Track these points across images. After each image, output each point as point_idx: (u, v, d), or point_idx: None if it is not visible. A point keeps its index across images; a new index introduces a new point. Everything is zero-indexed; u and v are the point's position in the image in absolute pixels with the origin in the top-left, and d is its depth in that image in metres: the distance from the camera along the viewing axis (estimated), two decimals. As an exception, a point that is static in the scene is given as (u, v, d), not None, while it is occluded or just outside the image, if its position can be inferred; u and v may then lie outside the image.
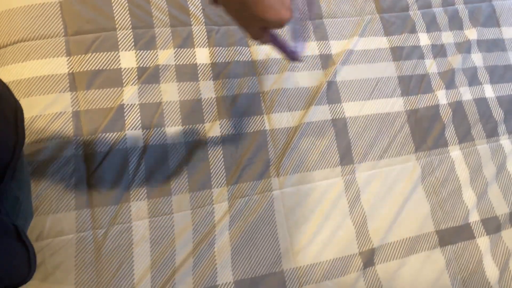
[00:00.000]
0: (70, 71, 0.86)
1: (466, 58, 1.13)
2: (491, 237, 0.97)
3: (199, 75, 0.94)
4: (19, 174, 0.51)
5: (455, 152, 1.02)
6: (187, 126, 0.90)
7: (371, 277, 0.87)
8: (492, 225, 0.98)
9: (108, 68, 0.88)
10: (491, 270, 0.93)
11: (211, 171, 0.88)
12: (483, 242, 0.96)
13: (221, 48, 0.97)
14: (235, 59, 0.97)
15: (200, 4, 0.98)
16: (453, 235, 0.95)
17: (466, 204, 0.99)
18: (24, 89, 0.84)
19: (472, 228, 0.97)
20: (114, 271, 0.78)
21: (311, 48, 1.03)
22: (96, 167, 0.83)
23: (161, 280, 0.79)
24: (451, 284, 0.91)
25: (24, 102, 0.83)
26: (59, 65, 0.86)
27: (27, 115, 0.83)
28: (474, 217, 0.98)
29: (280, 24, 0.47)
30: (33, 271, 0.50)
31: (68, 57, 0.87)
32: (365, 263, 0.88)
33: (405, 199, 0.95)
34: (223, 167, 0.89)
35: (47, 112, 0.83)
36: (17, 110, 0.52)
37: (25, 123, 0.82)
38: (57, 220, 0.78)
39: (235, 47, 0.98)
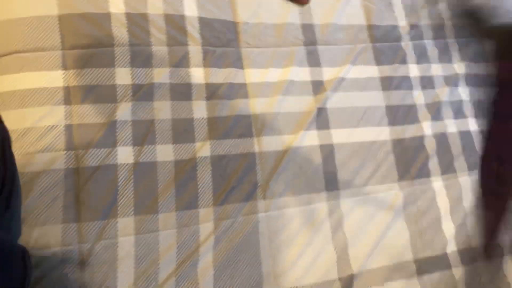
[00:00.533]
0: (65, 85, 0.87)
1: (453, 91, 1.16)
2: (466, 268, 0.99)
3: (193, 94, 0.95)
4: (13, 203, 0.52)
5: (438, 183, 1.05)
6: (177, 145, 0.91)
7: (349, 303, 0.90)
8: (468, 256, 1.01)
9: (103, 83, 0.90)
10: (465, 301, 0.96)
11: (199, 190, 0.90)
12: (458, 273, 0.99)
13: (216, 69, 0.98)
14: (229, 81, 0.98)
15: (198, 25, 1.00)
16: (430, 265, 0.98)
17: (445, 234, 1.02)
18: (17, 100, 0.84)
19: (449, 258, 1.00)
20: (98, 286, 0.79)
21: (303, 74, 1.05)
22: (86, 181, 0.84)
23: (143, 298, 0.80)
24: (426, 313, 0.94)
25: (17, 114, 0.84)
26: (55, 78, 0.87)
27: (20, 126, 0.83)
28: (452, 247, 1.01)
29: None
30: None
31: (64, 71, 0.88)
32: (343, 289, 0.90)
33: (386, 227, 0.98)
34: (211, 187, 0.90)
35: (39, 124, 0.84)
36: (4, 141, 0.51)
37: (17, 135, 0.83)
38: (43, 232, 0.79)
39: (230, 69, 1.00)
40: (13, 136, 0.82)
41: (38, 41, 0.88)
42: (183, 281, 0.83)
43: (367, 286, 0.92)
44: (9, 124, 0.83)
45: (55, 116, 0.85)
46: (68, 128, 0.86)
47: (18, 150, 0.82)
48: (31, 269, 0.48)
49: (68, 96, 0.87)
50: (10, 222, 0.52)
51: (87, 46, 0.90)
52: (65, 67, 0.88)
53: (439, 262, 0.99)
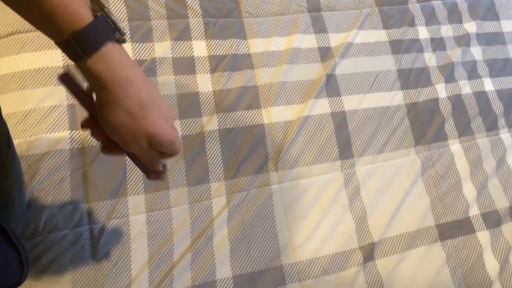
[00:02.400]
0: (65, 63, 0.85)
1: (465, 52, 1.12)
2: (491, 231, 0.96)
3: (197, 68, 0.92)
4: (10, 170, 0.50)
5: (455, 146, 1.02)
6: (184, 120, 0.88)
7: (371, 272, 0.86)
8: (493, 219, 0.97)
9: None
10: (492, 264, 0.93)
11: (209, 165, 0.87)
12: (483, 236, 0.95)
13: (218, 40, 0.95)
14: (233, 52, 0.95)
15: (197, -4, 0.97)
16: (453, 229, 0.94)
17: (466, 198, 0.98)
18: (18, 82, 0.82)
19: (472, 222, 0.96)
20: (111, 266, 0.76)
21: (309, 41, 1.01)
22: (92, 160, 0.81)
23: (159, 275, 0.77)
24: (452, 278, 0.90)
25: (18, 96, 0.82)
26: (54, 58, 0.85)
27: (21, 108, 0.81)
28: (474, 211, 0.97)
29: (171, 144, 0.43)
30: (26, 271, 0.48)
31: (63, 50, 0.86)
32: (365, 258, 0.87)
33: (405, 193, 0.94)
34: (221, 161, 0.88)
35: (42, 105, 0.82)
36: None
37: (20, 117, 0.81)
38: (52, 215, 0.77)
39: (233, 40, 0.97)
40: (15, 119, 0.81)
41: (35, 20, 0.86)
42: (199, 257, 0.80)
43: (389, 253, 0.89)
44: (11, 107, 0.82)
45: (56, 96, 0.83)
46: (71, 107, 0.83)
47: (22, 132, 0.80)
48: (23, 248, 0.46)
49: (69, 75, 0.85)
50: (10, 189, 0.50)
51: (85, 23, 0.88)
52: (63, 45, 0.86)
53: (462, 227, 0.95)
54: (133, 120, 0.40)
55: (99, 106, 0.40)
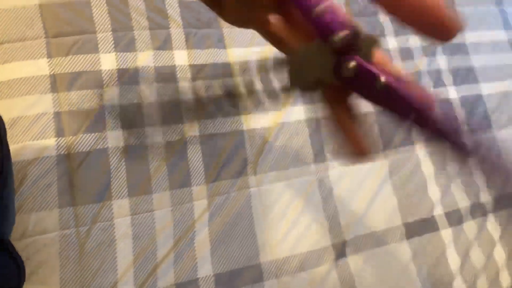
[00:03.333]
0: (51, 73, 0.88)
1: (431, 61, 1.19)
2: (453, 229, 1.04)
3: (178, 76, 0.97)
4: (10, 181, 0.53)
5: (421, 150, 1.09)
6: (166, 127, 0.93)
7: (343, 268, 0.93)
8: (455, 218, 1.05)
9: (88, 69, 0.90)
10: (454, 260, 1.01)
11: (190, 169, 0.92)
12: (446, 233, 1.03)
13: (199, 50, 1.00)
14: (212, 61, 1.00)
15: (178, 8, 1.01)
16: (419, 228, 1.02)
17: (431, 198, 1.05)
18: (4, 91, 0.85)
19: (437, 220, 1.04)
20: (98, 266, 0.80)
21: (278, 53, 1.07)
22: (78, 166, 0.85)
23: (144, 275, 0.82)
24: (417, 274, 0.97)
25: (4, 104, 0.85)
26: (40, 67, 0.88)
27: (8, 116, 0.84)
28: (438, 211, 1.05)
29: None
30: (23, 282, 0.51)
31: (49, 59, 0.89)
32: (337, 255, 0.93)
33: (374, 193, 1.01)
34: (202, 165, 0.92)
35: (28, 113, 0.85)
36: None
37: (7, 125, 0.83)
38: (40, 218, 0.80)
39: (212, 49, 1.01)
40: (2, 126, 0.83)
41: (22, 30, 0.89)
42: (181, 257, 0.85)
43: (360, 250, 0.95)
44: (-3, 115, 0.85)
45: (43, 104, 0.86)
46: (57, 115, 0.87)
47: (9, 140, 0.82)
48: (21, 260, 0.49)
49: (55, 83, 0.88)
50: (7, 200, 0.53)
51: (70, 33, 0.91)
52: (50, 55, 0.89)
53: (427, 225, 1.03)
54: None
55: None
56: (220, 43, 1.02)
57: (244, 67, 1.02)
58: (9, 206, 0.54)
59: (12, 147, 0.82)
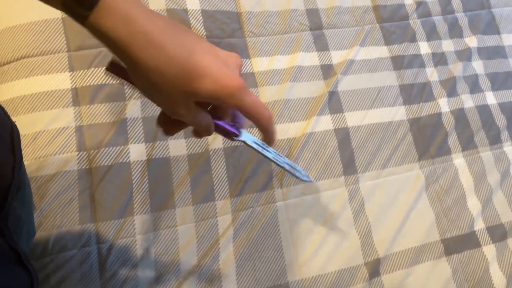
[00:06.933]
0: (73, 86, 0.87)
1: (467, 66, 1.13)
2: (497, 245, 0.96)
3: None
4: (21, 193, 0.51)
5: (459, 160, 1.02)
6: (189, 139, 0.90)
7: (377, 288, 0.87)
8: (498, 233, 0.97)
9: (110, 82, 0.89)
10: (498, 279, 0.93)
11: (214, 183, 0.88)
12: (489, 250, 0.95)
13: (222, 60, 0.97)
14: (237, 71, 0.97)
15: (201, 18, 0.99)
16: (458, 244, 0.94)
17: (471, 212, 0.98)
18: (27, 105, 0.84)
19: (478, 236, 0.96)
20: (119, 285, 0.77)
21: (312, 59, 1.03)
22: (100, 181, 0.83)
23: (166, 294, 0.78)
24: (458, 293, 0.90)
25: (27, 118, 0.84)
26: (62, 80, 0.87)
27: (31, 130, 0.83)
28: (479, 225, 0.97)
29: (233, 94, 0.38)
30: None
31: (71, 72, 0.88)
32: (370, 274, 0.87)
33: (409, 208, 0.95)
34: (226, 179, 0.89)
35: (50, 127, 0.84)
36: (13, 132, 0.52)
37: (29, 139, 0.82)
38: (61, 235, 0.78)
39: (237, 59, 0.98)
40: (25, 141, 0.82)
41: (44, 44, 0.88)
42: (205, 275, 0.81)
43: (395, 269, 0.89)
44: (20, 129, 0.83)
45: (65, 118, 0.85)
46: (79, 129, 0.85)
47: (31, 154, 0.82)
48: (34, 271, 0.47)
49: (77, 97, 0.87)
50: (20, 210, 0.51)
51: (92, 46, 0.90)
52: (72, 68, 0.88)
53: (468, 241, 0.95)
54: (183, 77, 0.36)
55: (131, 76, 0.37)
56: (244, 52, 0.99)
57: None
58: (22, 217, 0.52)
59: (33, 162, 0.81)
